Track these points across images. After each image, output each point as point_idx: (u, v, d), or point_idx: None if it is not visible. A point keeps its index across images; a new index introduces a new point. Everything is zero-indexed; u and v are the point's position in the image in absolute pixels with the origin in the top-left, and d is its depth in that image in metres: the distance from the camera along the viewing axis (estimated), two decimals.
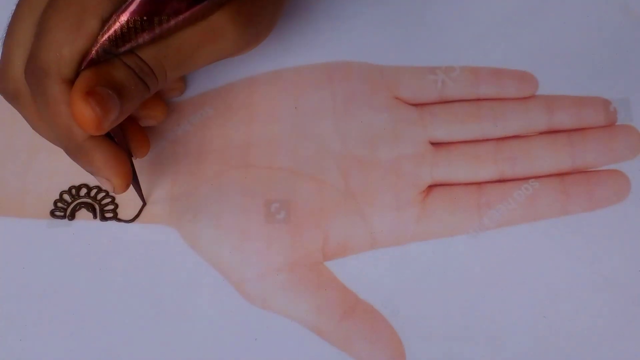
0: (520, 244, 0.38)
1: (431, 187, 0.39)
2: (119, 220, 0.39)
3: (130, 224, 0.39)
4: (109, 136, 0.34)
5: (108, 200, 0.39)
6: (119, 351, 0.37)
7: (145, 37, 0.32)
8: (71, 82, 0.32)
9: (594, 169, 0.39)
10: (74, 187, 0.40)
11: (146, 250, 0.39)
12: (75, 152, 0.34)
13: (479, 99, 0.40)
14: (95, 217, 0.39)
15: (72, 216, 0.39)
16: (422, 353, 0.37)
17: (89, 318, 0.38)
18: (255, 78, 0.41)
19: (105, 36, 0.31)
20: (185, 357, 0.37)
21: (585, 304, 0.37)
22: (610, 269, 0.38)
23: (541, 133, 0.40)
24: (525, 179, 0.39)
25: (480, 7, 0.42)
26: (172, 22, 0.32)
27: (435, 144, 0.40)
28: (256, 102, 0.41)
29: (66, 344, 0.37)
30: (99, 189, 0.40)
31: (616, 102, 0.40)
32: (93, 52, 0.32)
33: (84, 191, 0.40)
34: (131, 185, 0.36)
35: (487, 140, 0.40)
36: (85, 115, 0.31)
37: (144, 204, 0.39)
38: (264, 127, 0.40)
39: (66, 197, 0.40)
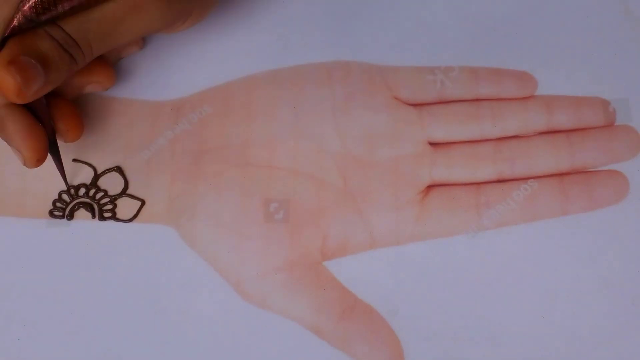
0: (519, 244, 0.38)
1: (430, 187, 0.39)
2: (118, 219, 0.39)
3: (128, 223, 0.39)
4: (30, 109, 0.35)
5: (107, 200, 0.39)
6: (118, 350, 0.37)
7: (65, 5, 0.33)
8: None
9: (593, 169, 0.39)
10: (72, 187, 0.40)
11: (145, 249, 0.39)
12: None
13: (478, 99, 0.40)
14: (94, 216, 0.39)
15: (70, 216, 0.39)
16: (420, 353, 0.37)
17: (87, 317, 0.38)
18: (254, 77, 0.41)
19: (27, 4, 0.32)
20: (184, 357, 0.37)
21: (584, 304, 0.37)
22: (610, 269, 0.38)
23: (540, 133, 0.40)
24: (524, 179, 0.39)
25: (480, 7, 0.42)
26: None
27: (434, 144, 0.40)
28: (255, 101, 0.41)
29: (65, 344, 0.37)
30: (98, 189, 0.40)
31: (615, 102, 0.40)
32: (15, 19, 0.32)
33: (82, 191, 0.40)
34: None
35: (486, 140, 0.40)
36: (7, 83, 0.32)
37: (68, 187, 0.39)
38: (263, 126, 0.40)
39: (65, 197, 0.40)
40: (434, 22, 0.42)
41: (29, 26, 0.33)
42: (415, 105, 0.40)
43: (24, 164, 0.35)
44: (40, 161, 0.36)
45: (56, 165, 0.38)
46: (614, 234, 0.38)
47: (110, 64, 0.39)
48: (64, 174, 0.39)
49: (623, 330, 0.37)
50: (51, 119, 0.37)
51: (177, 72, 0.41)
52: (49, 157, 0.37)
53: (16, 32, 0.33)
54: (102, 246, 0.39)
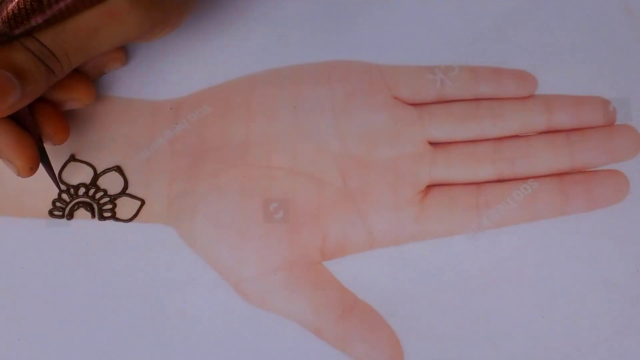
0: (519, 244, 0.38)
1: (430, 186, 0.39)
2: (117, 219, 0.39)
3: (128, 223, 0.39)
4: (14, 119, 0.35)
5: (106, 199, 0.39)
6: (117, 350, 0.37)
7: (38, 19, 0.32)
8: None
9: (593, 169, 0.39)
10: (72, 186, 0.40)
11: (144, 249, 0.39)
12: None
13: (477, 99, 0.40)
14: (93, 216, 0.39)
15: (70, 216, 0.39)
16: (420, 353, 0.37)
17: (87, 317, 0.38)
18: (254, 76, 0.41)
19: None
20: (183, 356, 0.37)
21: (584, 304, 0.37)
22: (609, 269, 0.38)
23: (540, 133, 0.40)
24: (524, 178, 0.39)
25: (479, 6, 0.42)
26: (62, 4, 0.32)
27: (434, 144, 0.40)
28: (255, 101, 0.41)
29: (64, 343, 0.37)
30: (98, 189, 0.40)
31: (615, 101, 0.40)
32: None
33: (82, 191, 0.40)
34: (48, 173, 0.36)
35: (486, 140, 0.40)
36: None
37: (60, 191, 0.39)
38: (262, 125, 0.40)
39: (64, 196, 0.40)
40: (434, 21, 0.42)
41: (3, 40, 0.33)
42: (415, 104, 0.40)
43: (18, 174, 0.35)
44: (33, 169, 0.35)
45: (46, 170, 0.38)
46: (614, 233, 0.38)
47: (91, 80, 0.39)
48: (56, 179, 0.39)
49: (623, 330, 0.37)
50: (36, 124, 0.36)
51: (177, 71, 0.41)
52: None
53: None
54: (102, 246, 0.39)
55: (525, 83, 0.41)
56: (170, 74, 0.41)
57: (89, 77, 0.39)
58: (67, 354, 0.37)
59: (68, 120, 0.38)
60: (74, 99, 0.38)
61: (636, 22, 0.41)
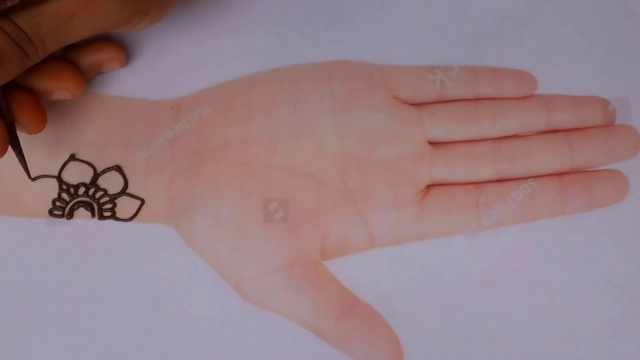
0: (519, 244, 0.38)
1: (430, 186, 0.39)
2: (117, 219, 0.39)
3: (128, 222, 0.39)
4: None
5: (106, 199, 0.39)
6: (117, 350, 0.37)
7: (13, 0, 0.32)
8: None
9: (593, 169, 0.39)
10: (72, 186, 0.40)
11: (144, 249, 0.39)
12: None
13: (477, 99, 0.40)
14: (93, 216, 0.39)
15: (70, 215, 0.39)
16: (420, 353, 0.37)
17: (87, 317, 0.38)
18: (254, 76, 0.41)
19: None
20: (183, 356, 0.37)
21: (584, 304, 0.37)
22: (609, 269, 0.38)
23: (540, 132, 0.40)
24: (524, 178, 0.39)
25: (479, 6, 0.42)
26: None
27: (433, 144, 0.40)
28: (255, 101, 0.41)
29: (64, 343, 0.37)
30: (97, 188, 0.40)
31: (615, 101, 0.40)
32: None
33: (82, 190, 0.40)
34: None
35: (486, 139, 0.40)
36: None
37: (30, 178, 0.39)
38: (262, 125, 0.40)
39: (64, 196, 0.40)
40: (434, 21, 0.42)
41: None
42: (414, 104, 0.40)
43: None
44: (0, 153, 0.34)
45: (18, 158, 0.37)
46: (614, 233, 0.38)
47: (81, 71, 0.38)
48: (26, 166, 0.38)
49: (622, 329, 0.37)
50: (10, 111, 0.35)
51: (177, 71, 0.41)
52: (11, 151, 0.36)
53: None
54: (102, 245, 0.39)
55: (525, 83, 0.41)
56: (170, 74, 0.41)
57: (80, 68, 0.38)
58: (67, 353, 0.37)
59: (45, 111, 0.37)
60: (62, 88, 0.37)
61: (636, 22, 0.41)
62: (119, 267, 0.38)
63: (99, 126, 0.40)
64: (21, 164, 0.38)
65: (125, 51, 0.41)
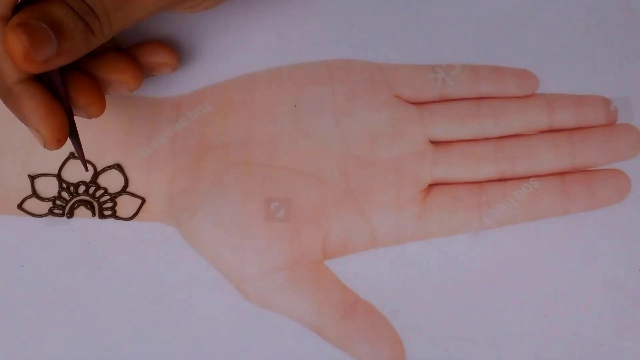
0: (521, 243, 0.38)
1: (431, 186, 0.39)
2: (118, 218, 0.39)
3: (128, 222, 0.39)
4: (46, 85, 0.33)
5: (107, 198, 0.39)
6: (118, 349, 0.37)
7: None
8: (5, 18, 0.31)
9: (595, 168, 0.39)
10: (72, 184, 0.40)
11: (145, 248, 0.39)
12: (6, 96, 0.33)
13: (479, 98, 0.40)
14: (93, 214, 0.39)
15: (70, 214, 0.39)
16: (422, 352, 0.37)
17: (87, 316, 0.38)
18: (255, 75, 0.41)
19: None
20: (184, 356, 0.37)
21: (586, 304, 0.37)
22: (611, 269, 0.38)
23: (542, 132, 0.40)
24: (526, 178, 0.39)
25: (481, 5, 0.42)
26: None
27: (435, 143, 0.40)
28: (256, 100, 0.41)
29: (65, 342, 0.37)
30: (98, 187, 0.39)
31: (617, 100, 0.40)
32: None
33: (82, 189, 0.39)
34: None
35: (488, 139, 0.40)
36: (14, 45, 0.30)
37: (86, 169, 0.38)
38: (263, 124, 0.40)
39: (65, 194, 0.39)
40: (435, 20, 0.42)
41: None
42: (416, 103, 0.40)
43: (44, 146, 0.33)
44: (60, 141, 0.33)
45: (74, 147, 0.36)
46: (616, 232, 0.38)
47: (140, 66, 0.38)
48: (83, 157, 0.37)
49: (625, 329, 0.37)
50: (69, 95, 0.34)
51: (178, 69, 0.41)
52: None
53: (30, 1, 0.31)
54: (102, 244, 0.39)
55: (527, 82, 0.41)
56: (171, 72, 0.41)
57: (140, 63, 0.38)
58: (67, 352, 0.37)
59: (103, 93, 0.36)
60: (122, 81, 0.37)
61: (637, 21, 0.41)
62: (120, 267, 0.38)
63: (100, 124, 0.40)
64: (78, 153, 0.36)
65: (178, 58, 0.40)
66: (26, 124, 0.33)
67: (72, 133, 0.35)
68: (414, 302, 0.37)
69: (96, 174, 0.40)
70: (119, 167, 0.40)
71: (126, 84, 0.37)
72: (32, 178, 0.39)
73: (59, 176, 0.40)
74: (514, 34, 0.41)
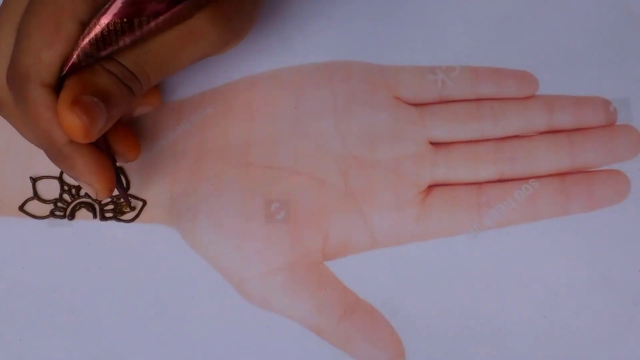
0: (520, 244, 0.38)
1: (431, 186, 0.39)
2: (119, 220, 0.39)
3: (130, 224, 0.39)
4: (92, 142, 0.34)
5: (108, 200, 0.39)
6: (119, 351, 0.37)
7: (126, 39, 0.32)
8: (51, 86, 0.32)
9: (594, 169, 0.39)
10: (73, 186, 0.40)
11: (146, 250, 0.39)
12: (56, 156, 0.34)
13: (479, 99, 0.40)
14: (95, 216, 0.39)
15: (72, 216, 0.39)
16: (422, 353, 0.37)
17: (88, 318, 0.38)
18: (255, 77, 0.41)
19: (87, 39, 0.31)
20: (185, 357, 0.37)
21: (585, 304, 0.37)
22: (610, 269, 0.38)
23: (541, 133, 0.40)
24: (525, 178, 0.39)
25: (480, 6, 0.42)
26: (153, 24, 0.32)
27: (435, 144, 0.40)
28: (256, 102, 0.41)
29: (66, 344, 0.37)
30: None
31: (616, 102, 0.40)
32: (74, 56, 0.31)
33: (83, 191, 0.40)
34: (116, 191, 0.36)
35: (487, 140, 0.40)
36: (73, 124, 0.31)
37: (130, 210, 0.39)
38: (264, 126, 0.40)
39: (66, 196, 0.40)
40: (435, 21, 0.42)
41: (87, 62, 0.32)
42: (416, 104, 0.40)
43: (97, 197, 0.35)
44: (111, 191, 0.35)
45: (119, 192, 0.38)
46: (615, 233, 0.38)
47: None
48: (127, 197, 0.38)
49: (624, 329, 0.37)
50: (109, 145, 0.36)
51: (178, 72, 0.41)
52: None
53: (74, 70, 0.32)
54: (103, 246, 0.39)
55: (526, 83, 0.41)
56: (172, 76, 0.41)
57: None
58: (68, 354, 0.37)
59: (137, 136, 0.38)
60: (146, 103, 0.38)
61: (637, 22, 0.42)
62: (121, 269, 0.38)
63: None
64: (122, 196, 0.38)
65: (160, 94, 0.40)
66: (77, 179, 0.34)
67: (117, 179, 0.36)
68: (414, 302, 0.37)
69: None
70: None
71: (152, 104, 0.39)
72: (34, 180, 0.40)
73: (60, 178, 0.40)
74: (513, 36, 0.42)
